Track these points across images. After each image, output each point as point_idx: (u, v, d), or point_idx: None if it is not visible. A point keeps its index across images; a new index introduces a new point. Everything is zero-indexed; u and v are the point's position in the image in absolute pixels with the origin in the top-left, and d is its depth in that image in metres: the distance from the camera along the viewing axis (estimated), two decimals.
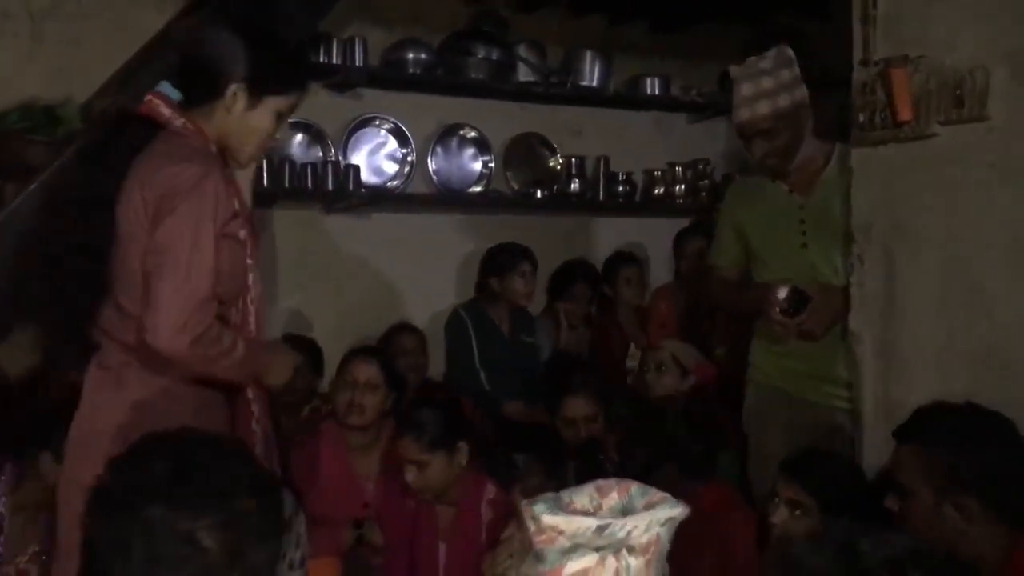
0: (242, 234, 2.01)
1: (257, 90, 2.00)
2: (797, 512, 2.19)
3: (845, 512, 1.85)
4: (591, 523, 1.15)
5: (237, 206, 2.00)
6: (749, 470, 2.84)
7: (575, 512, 1.19)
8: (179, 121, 1.99)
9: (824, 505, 2.16)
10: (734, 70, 2.66)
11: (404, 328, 3.80)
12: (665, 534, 1.19)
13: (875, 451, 2.37)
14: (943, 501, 1.72)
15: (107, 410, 1.94)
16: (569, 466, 2.50)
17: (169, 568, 1.06)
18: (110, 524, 1.09)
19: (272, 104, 2.03)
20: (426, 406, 2.71)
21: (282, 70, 2.05)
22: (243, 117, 2.01)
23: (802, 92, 2.60)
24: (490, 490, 2.57)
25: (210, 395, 2.01)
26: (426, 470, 2.56)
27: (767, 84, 2.57)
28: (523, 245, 3.96)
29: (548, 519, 1.15)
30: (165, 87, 2.05)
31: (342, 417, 2.94)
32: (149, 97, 2.03)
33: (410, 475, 2.57)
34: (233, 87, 1.99)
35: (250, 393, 2.07)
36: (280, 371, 2.11)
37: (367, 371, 2.96)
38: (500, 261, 3.91)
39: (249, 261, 2.03)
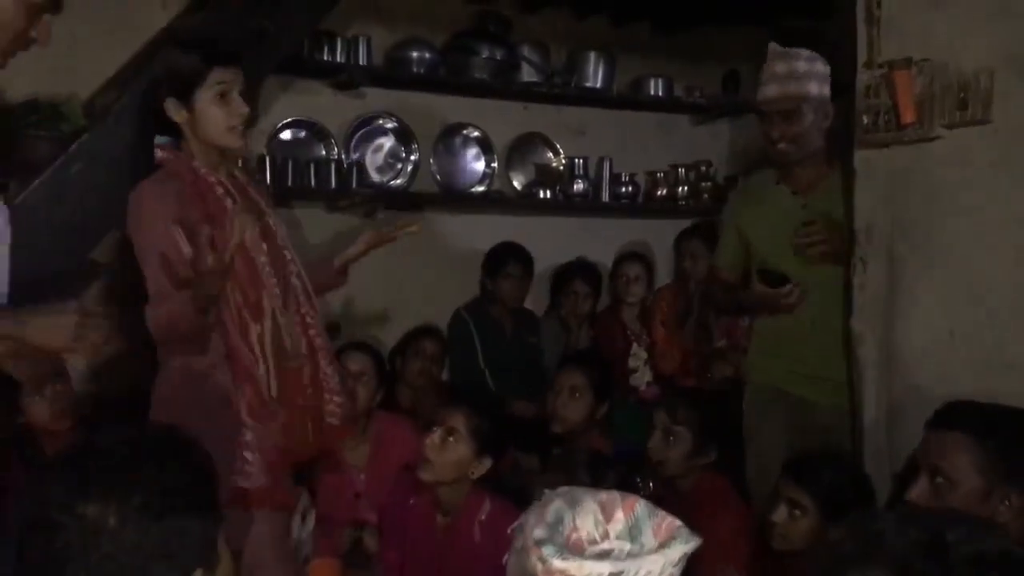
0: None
1: (184, 96, 2.13)
2: (797, 512, 2.21)
3: (845, 515, 1.83)
4: (603, 569, 1.09)
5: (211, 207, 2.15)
6: (747, 469, 2.84)
7: (581, 543, 1.12)
8: (161, 154, 2.18)
9: (825, 507, 2.17)
10: (773, 46, 2.66)
11: (427, 332, 3.82)
12: (678, 572, 1.14)
13: (875, 452, 2.37)
14: (992, 493, 1.69)
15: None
16: (610, 475, 2.40)
17: (74, 545, 1.08)
18: (29, 512, 1.12)
19: (206, 95, 2.12)
20: (492, 409, 2.73)
21: (187, 66, 2.13)
22: (197, 120, 2.15)
23: (827, 91, 2.62)
24: (486, 508, 2.49)
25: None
26: (450, 447, 2.48)
27: (802, 67, 2.59)
28: (516, 245, 3.97)
29: (558, 563, 1.09)
30: (159, 139, 2.23)
31: None
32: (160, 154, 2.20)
33: (435, 438, 2.49)
34: (168, 108, 2.14)
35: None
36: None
37: (358, 361, 2.97)
38: (491, 262, 3.95)
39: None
